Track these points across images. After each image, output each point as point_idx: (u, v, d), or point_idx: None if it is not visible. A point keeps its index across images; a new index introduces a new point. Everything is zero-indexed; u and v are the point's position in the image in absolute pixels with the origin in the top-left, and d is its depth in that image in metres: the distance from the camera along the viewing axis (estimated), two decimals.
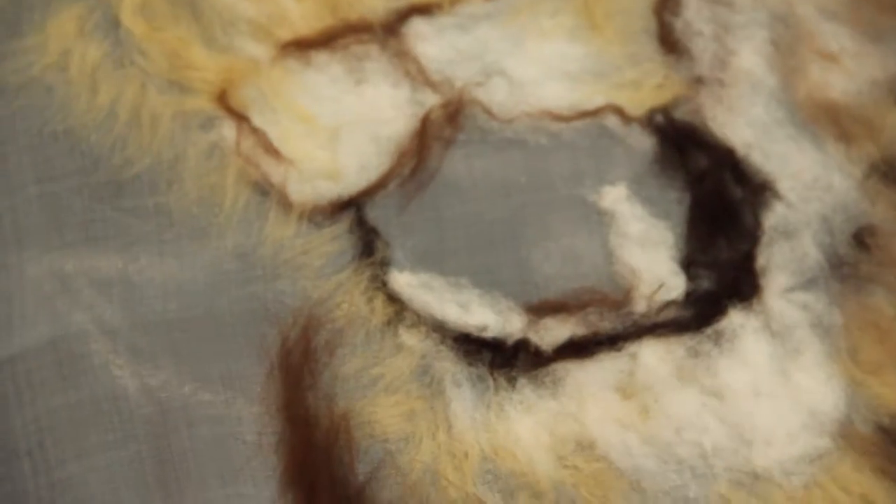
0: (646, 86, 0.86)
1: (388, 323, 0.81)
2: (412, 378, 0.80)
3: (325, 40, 0.86)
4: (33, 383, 0.79)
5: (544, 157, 0.85)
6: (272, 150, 0.84)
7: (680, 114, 0.86)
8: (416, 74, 0.86)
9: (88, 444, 0.78)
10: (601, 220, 0.84)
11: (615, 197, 0.84)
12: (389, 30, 0.87)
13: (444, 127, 0.85)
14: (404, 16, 0.88)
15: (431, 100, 0.85)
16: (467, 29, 0.88)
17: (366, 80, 0.86)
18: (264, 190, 0.83)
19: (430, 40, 0.87)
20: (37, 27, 0.86)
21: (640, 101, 0.86)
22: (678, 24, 0.88)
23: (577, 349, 0.80)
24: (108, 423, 0.78)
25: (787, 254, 0.83)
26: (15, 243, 0.81)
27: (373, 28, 0.87)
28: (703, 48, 0.88)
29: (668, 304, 0.82)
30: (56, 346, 0.79)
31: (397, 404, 0.79)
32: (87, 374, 0.79)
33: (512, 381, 0.80)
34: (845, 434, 0.79)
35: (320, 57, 0.86)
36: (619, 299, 0.82)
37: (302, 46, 0.86)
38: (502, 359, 0.80)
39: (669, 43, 0.88)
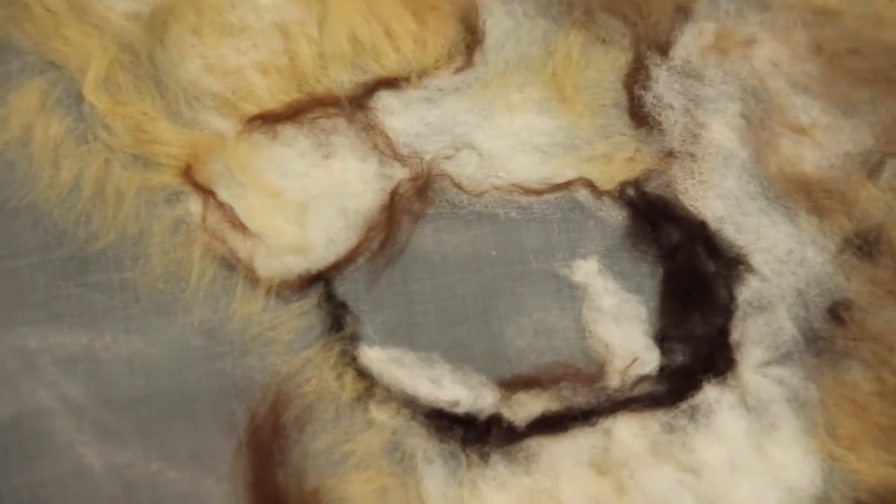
0: (616, 159, 0.87)
1: (358, 399, 0.82)
2: (383, 454, 0.80)
3: (292, 114, 0.87)
4: None
5: (515, 230, 0.85)
6: (239, 225, 0.84)
7: (651, 187, 0.86)
8: (385, 148, 0.86)
9: None
10: (573, 294, 0.84)
11: (587, 271, 0.85)
12: (357, 104, 0.87)
13: (412, 201, 0.85)
14: (371, 89, 0.88)
15: (400, 174, 0.86)
16: (435, 102, 0.88)
17: (333, 154, 0.86)
18: (231, 265, 0.84)
19: (397, 114, 0.87)
20: (1, 101, 0.86)
21: (610, 174, 0.87)
22: (648, 98, 0.88)
23: (551, 424, 0.81)
24: (73, 502, 0.78)
25: (761, 328, 0.83)
26: None
27: (340, 102, 0.87)
28: (673, 121, 0.88)
29: (643, 379, 0.83)
30: (19, 424, 0.80)
31: (368, 481, 0.80)
32: (52, 453, 0.79)
33: (485, 458, 0.80)
34: None
35: (287, 131, 0.86)
36: (592, 374, 0.83)
37: (268, 120, 0.86)
38: (475, 434, 0.81)
39: (640, 116, 0.88)
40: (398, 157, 0.86)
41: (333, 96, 0.87)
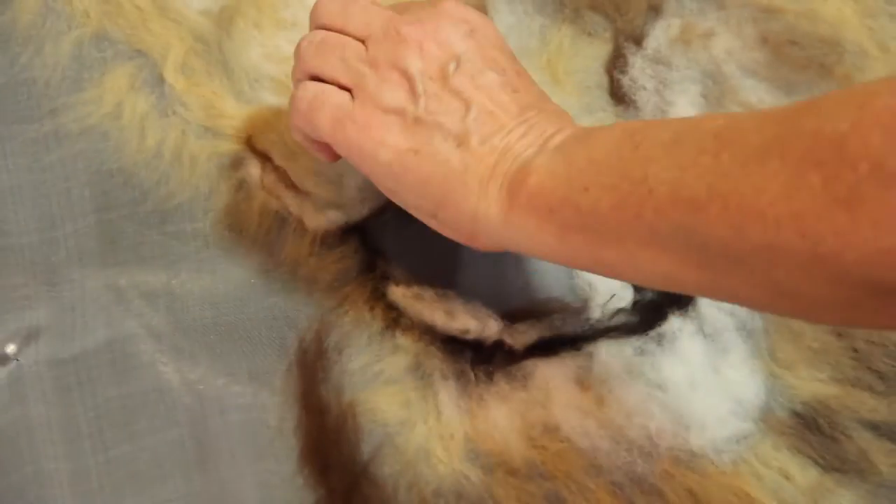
0: None
1: (387, 327, 0.81)
2: (407, 373, 0.80)
3: None
4: (92, 378, 0.79)
5: None
6: (290, 185, 0.83)
7: None
8: None
9: (138, 428, 0.78)
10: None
11: None
12: None
13: None
14: None
15: None
16: None
17: None
18: (284, 218, 0.83)
19: None
20: (95, 83, 0.85)
21: None
22: (625, 81, 0.88)
23: (544, 349, 0.81)
24: (155, 410, 0.78)
25: None
26: (77, 262, 0.81)
27: None
28: (646, 100, 0.87)
29: (619, 312, 0.82)
30: (111, 347, 0.80)
31: (395, 395, 0.79)
32: (138, 371, 0.79)
33: (490, 376, 0.80)
34: (766, 419, 0.79)
35: None
36: (578, 307, 0.82)
37: None
38: (482, 357, 0.80)
39: (618, 96, 0.87)
40: None
41: None
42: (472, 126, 0.67)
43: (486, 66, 0.69)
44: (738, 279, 0.57)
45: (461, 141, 0.67)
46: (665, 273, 0.61)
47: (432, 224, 0.71)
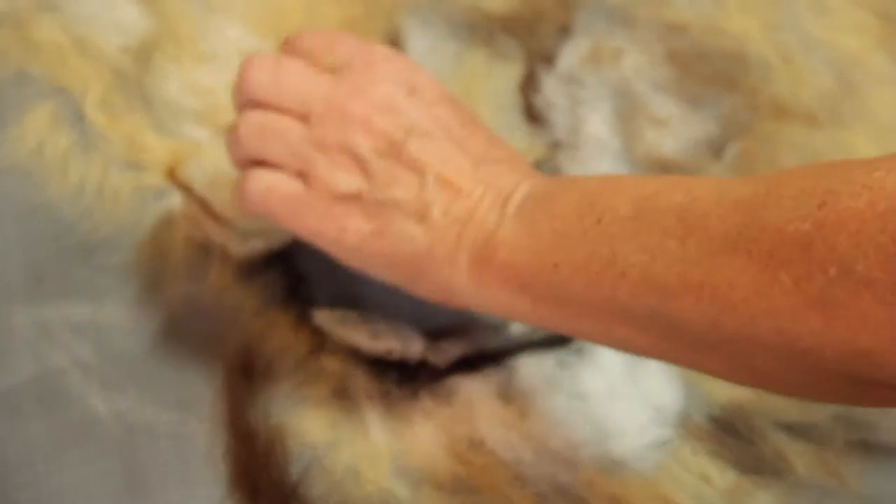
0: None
1: (312, 351, 0.82)
2: (333, 395, 0.80)
3: None
4: (21, 412, 0.79)
5: None
6: (213, 215, 0.84)
7: (542, 171, 0.85)
8: None
9: (69, 460, 0.78)
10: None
11: None
12: None
13: None
14: None
15: None
16: None
17: None
18: (207, 247, 0.83)
19: None
20: (16, 121, 0.86)
21: None
22: (539, 100, 0.89)
23: (467, 365, 0.81)
24: (85, 442, 0.78)
25: None
26: (3, 299, 0.81)
27: None
28: (559, 118, 0.89)
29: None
30: (39, 382, 0.79)
31: (322, 417, 0.80)
32: (66, 404, 0.79)
33: (415, 394, 0.81)
34: (684, 425, 0.80)
35: None
36: (499, 323, 0.83)
37: None
38: (407, 376, 0.81)
39: (533, 115, 0.89)
40: None
41: None
42: (430, 197, 0.67)
43: (434, 127, 0.68)
44: (718, 362, 0.58)
45: (422, 216, 0.68)
46: (643, 348, 0.62)
47: (413, 292, 0.72)
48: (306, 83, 0.71)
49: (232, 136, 0.74)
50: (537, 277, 0.64)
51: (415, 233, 0.68)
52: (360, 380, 0.81)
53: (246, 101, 0.73)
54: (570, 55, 0.91)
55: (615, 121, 0.88)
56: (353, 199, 0.69)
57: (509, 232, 0.66)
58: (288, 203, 0.71)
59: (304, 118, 0.71)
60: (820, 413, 0.80)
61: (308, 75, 0.72)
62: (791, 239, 0.51)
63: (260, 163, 0.73)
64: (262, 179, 0.72)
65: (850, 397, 0.57)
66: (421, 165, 0.67)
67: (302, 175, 0.71)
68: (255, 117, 0.72)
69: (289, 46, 0.75)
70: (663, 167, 0.86)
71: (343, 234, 0.70)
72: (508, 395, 0.81)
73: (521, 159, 0.72)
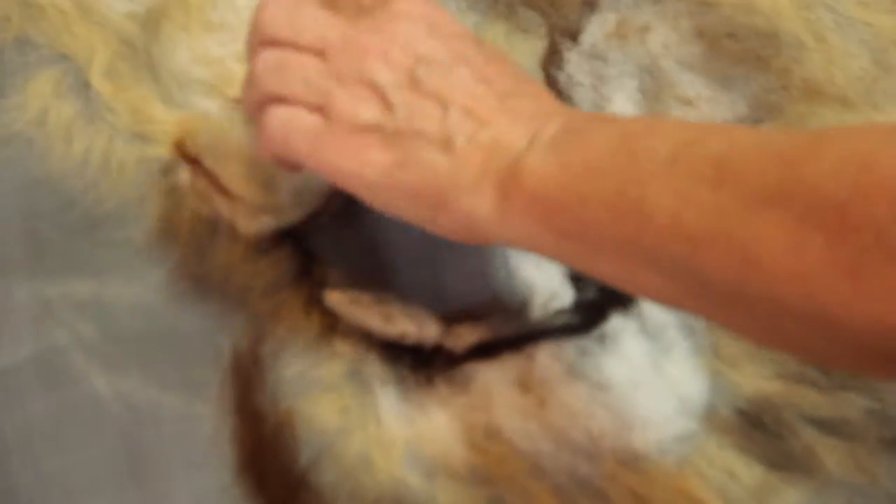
0: None
1: (324, 333, 0.81)
2: (345, 379, 0.79)
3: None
4: (21, 391, 0.78)
5: None
6: (222, 190, 0.83)
7: None
8: None
9: (69, 441, 0.77)
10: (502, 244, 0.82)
11: None
12: None
13: None
14: None
15: None
16: None
17: None
18: (215, 223, 0.83)
19: None
20: (18, 89, 0.85)
21: None
22: (562, 77, 0.88)
23: (484, 351, 0.80)
24: (86, 423, 0.77)
25: None
26: (2, 273, 0.81)
27: None
28: (583, 96, 0.87)
29: (560, 312, 0.82)
30: (39, 360, 0.79)
31: (333, 402, 0.79)
32: (68, 383, 0.78)
33: (430, 380, 0.80)
34: (710, 417, 0.79)
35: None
36: (518, 308, 0.82)
37: None
38: (421, 361, 0.80)
39: (555, 92, 0.87)
40: None
41: None
42: (453, 127, 0.66)
43: (454, 62, 0.67)
44: (743, 320, 0.57)
45: (445, 145, 0.66)
46: (667, 297, 0.61)
47: (432, 229, 0.70)
48: (323, 20, 0.70)
49: (248, 77, 0.73)
50: (564, 211, 0.63)
51: (438, 161, 0.67)
52: (374, 364, 0.80)
53: (262, 41, 0.72)
54: (595, 30, 0.90)
55: (641, 99, 0.87)
56: (374, 130, 0.68)
57: (538, 162, 0.64)
58: (308, 138, 0.70)
59: (321, 54, 0.70)
60: (852, 408, 0.79)
61: (324, 14, 0.71)
62: (828, 200, 0.50)
63: (278, 101, 0.71)
64: (281, 116, 0.71)
65: (879, 371, 0.56)
66: (443, 96, 0.66)
67: (321, 109, 0.70)
68: (271, 55, 0.71)
69: None
70: None
71: (364, 166, 0.68)
72: (527, 383, 0.80)
73: (551, 96, 0.71)
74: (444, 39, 0.69)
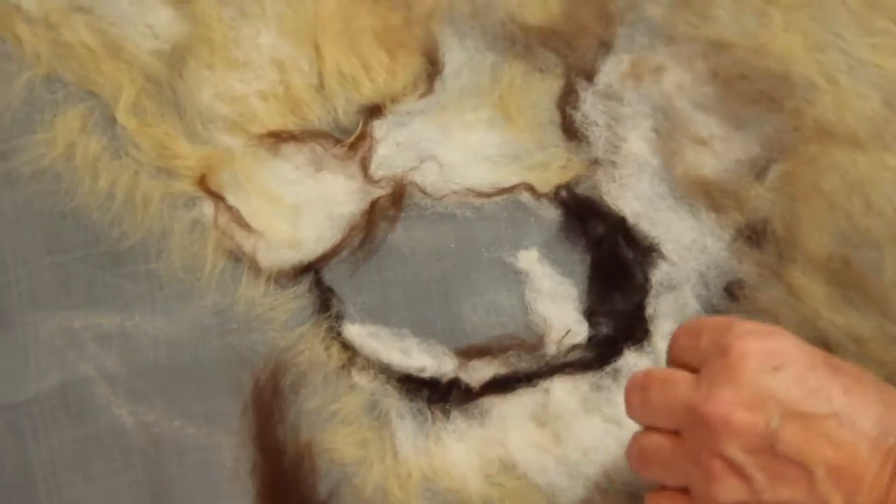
0: (552, 167, 0.87)
1: (343, 367, 0.81)
2: (363, 412, 0.80)
3: (290, 137, 0.86)
4: (46, 422, 0.79)
5: (470, 227, 0.85)
6: (244, 225, 0.84)
7: (581, 189, 0.86)
8: (363, 175, 0.86)
9: (94, 471, 0.78)
10: (518, 278, 0.84)
11: (529, 259, 0.84)
12: (346, 131, 0.88)
13: (388, 208, 0.85)
14: (366, 118, 0.88)
15: (378, 191, 0.86)
16: (404, 124, 0.88)
17: (325, 168, 0.86)
18: (238, 258, 0.83)
19: (382, 140, 0.87)
20: (46, 125, 0.85)
21: (547, 179, 0.86)
22: (577, 116, 0.88)
23: (500, 386, 0.81)
24: (110, 453, 0.78)
25: (671, 304, 0.83)
26: (30, 305, 0.81)
27: (329, 135, 0.88)
28: (598, 135, 0.88)
29: (574, 347, 0.82)
30: (65, 391, 0.79)
31: (351, 434, 0.79)
32: (92, 414, 0.79)
33: (446, 414, 0.80)
34: None
35: (286, 148, 0.86)
36: (533, 344, 0.82)
37: (271, 139, 0.86)
38: (438, 395, 0.80)
39: (571, 131, 0.88)
40: (372, 182, 0.86)
41: (324, 131, 0.87)
42: (826, 491, 0.59)
43: (807, 404, 0.61)
44: None
45: None
46: None
47: None
48: (668, 394, 0.66)
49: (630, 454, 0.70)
50: None
51: None
52: (391, 397, 0.81)
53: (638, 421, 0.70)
54: (611, 71, 0.90)
55: (655, 139, 0.88)
56: None
57: None
58: None
59: (675, 433, 0.67)
60: None
61: (668, 387, 0.66)
62: None
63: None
64: (656, 499, 0.69)
65: None
66: (804, 457, 0.60)
67: (687, 491, 0.67)
68: (635, 444, 0.69)
69: (670, 351, 0.71)
70: (703, 188, 0.85)
71: None
72: (542, 418, 0.80)
73: None
74: (794, 377, 0.62)
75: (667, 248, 0.85)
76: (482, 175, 0.87)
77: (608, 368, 0.81)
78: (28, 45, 0.87)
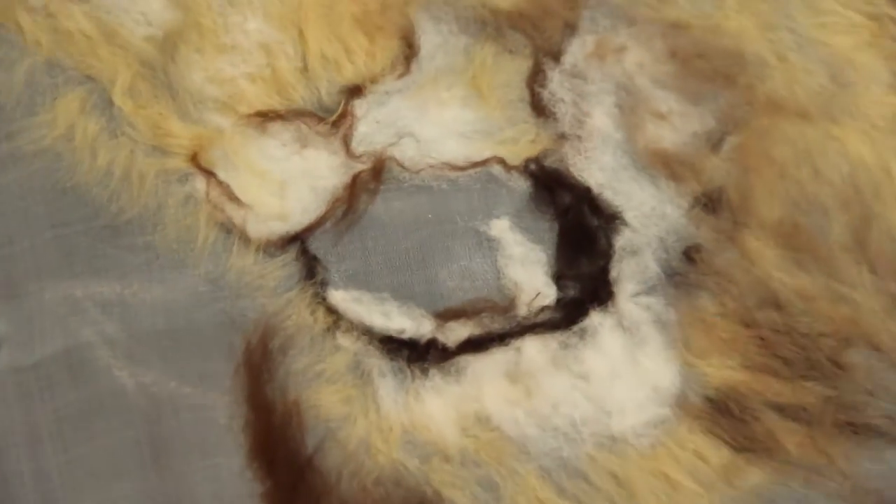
0: (522, 141, 0.87)
1: (328, 329, 0.82)
2: (347, 371, 0.81)
3: (276, 116, 0.86)
4: (52, 383, 0.79)
5: (445, 198, 0.85)
6: (234, 199, 0.84)
7: (548, 162, 0.86)
8: (345, 151, 0.86)
9: (96, 429, 0.79)
10: (490, 245, 0.84)
11: (501, 227, 0.85)
12: (328, 110, 0.87)
13: (369, 181, 0.85)
14: (348, 98, 0.88)
15: (359, 166, 0.86)
16: (384, 103, 0.88)
17: (309, 145, 0.86)
18: (228, 229, 0.84)
19: (362, 118, 0.87)
20: (47, 107, 0.86)
21: (517, 153, 0.87)
22: (545, 94, 0.88)
23: (475, 345, 0.81)
24: (111, 413, 0.79)
25: (633, 268, 0.83)
26: (35, 275, 0.82)
27: (313, 113, 0.87)
28: (564, 112, 0.88)
29: (544, 309, 0.83)
30: (69, 355, 0.80)
31: (336, 392, 0.80)
32: (94, 376, 0.79)
33: (425, 372, 0.81)
34: (681, 404, 0.81)
35: (273, 126, 0.86)
36: (505, 306, 0.83)
37: (259, 118, 0.86)
38: (417, 354, 0.81)
39: (539, 108, 0.88)
40: (354, 158, 0.86)
41: (308, 111, 0.87)
42: None
43: None
44: None
45: None
46: None
47: None
48: None
49: None
50: None
51: None
52: (373, 357, 0.81)
53: None
54: (576, 51, 0.90)
55: (618, 114, 0.88)
56: None
57: None
58: None
59: None
60: (811, 395, 0.80)
61: None
62: None
63: None
64: None
65: None
66: None
67: None
68: None
69: None
70: (663, 159, 0.86)
71: None
72: (514, 375, 0.81)
73: None
74: None
75: (629, 215, 0.85)
76: (456, 150, 0.87)
77: (575, 328, 0.82)
78: (29, 33, 0.88)
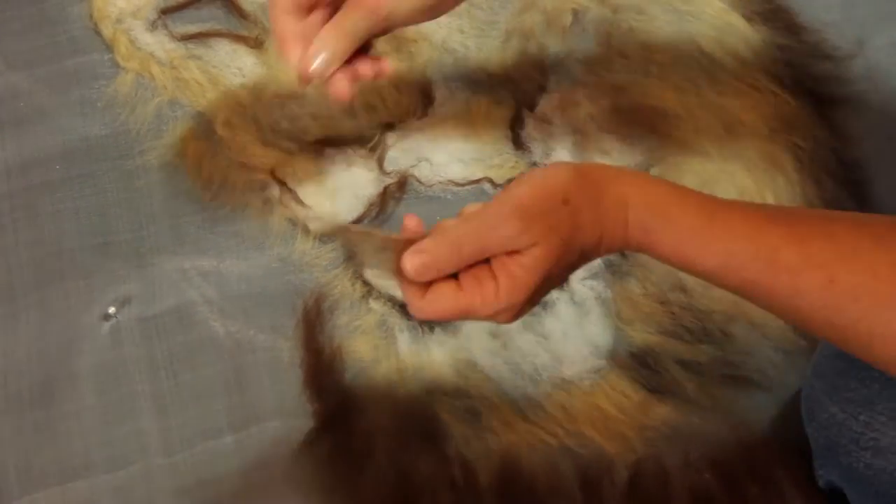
0: (505, 167, 0.86)
1: (363, 297, 0.81)
2: (376, 327, 0.80)
3: (330, 143, 0.86)
4: (167, 329, 0.79)
5: (450, 206, 0.84)
6: (299, 201, 0.84)
7: None
8: (380, 170, 0.86)
9: (197, 363, 0.78)
10: None
11: None
12: (369, 141, 0.87)
13: (395, 192, 0.85)
14: (383, 131, 0.87)
15: (389, 180, 0.85)
16: (408, 136, 0.87)
17: (354, 165, 0.86)
18: (294, 223, 0.83)
19: (392, 146, 0.87)
20: (169, 133, 0.86)
21: (502, 175, 0.86)
22: (522, 134, 0.88)
23: None
24: (208, 351, 0.79)
25: None
26: (157, 252, 0.82)
27: (358, 141, 0.87)
28: (536, 147, 0.88)
29: None
30: (179, 309, 0.80)
31: (368, 342, 0.79)
32: (196, 325, 0.79)
33: (432, 329, 0.80)
34: (613, 358, 0.80)
35: (329, 150, 0.86)
36: None
37: (319, 144, 0.86)
38: None
39: (518, 143, 0.87)
40: (385, 174, 0.86)
41: (354, 139, 0.87)
42: None
43: None
44: None
45: None
46: None
47: None
48: None
49: None
50: None
51: None
52: (395, 318, 0.81)
53: None
54: (545, 104, 0.90)
55: (574, 150, 0.87)
56: None
57: None
58: None
59: None
60: (704, 355, 0.79)
61: None
62: None
63: None
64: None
65: None
66: None
67: None
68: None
69: None
70: None
71: None
72: (496, 333, 0.80)
73: None
74: None
75: None
76: (458, 171, 0.87)
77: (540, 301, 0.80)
78: (159, 79, 0.88)
